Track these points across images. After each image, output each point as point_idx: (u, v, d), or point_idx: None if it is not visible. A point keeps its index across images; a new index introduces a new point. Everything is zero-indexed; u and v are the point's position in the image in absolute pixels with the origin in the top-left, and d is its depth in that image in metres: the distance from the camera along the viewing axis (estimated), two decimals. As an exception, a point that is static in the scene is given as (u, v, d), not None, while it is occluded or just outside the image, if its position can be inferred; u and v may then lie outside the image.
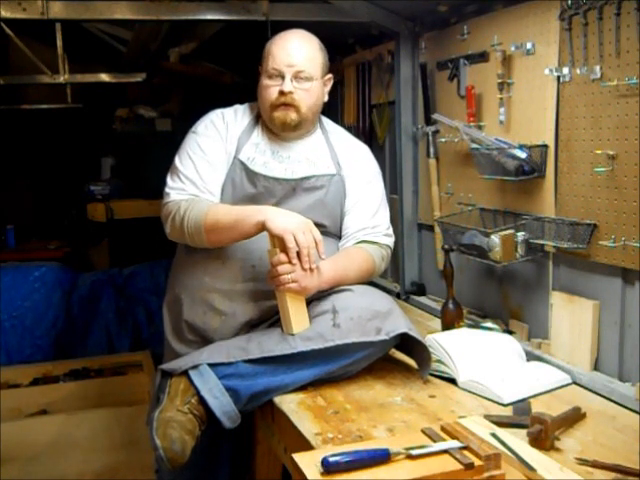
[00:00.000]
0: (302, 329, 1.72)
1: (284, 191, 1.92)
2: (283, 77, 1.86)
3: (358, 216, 1.99)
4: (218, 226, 1.78)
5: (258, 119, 2.00)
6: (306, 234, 1.70)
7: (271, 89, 1.88)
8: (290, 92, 1.86)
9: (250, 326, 1.86)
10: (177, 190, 1.89)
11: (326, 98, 2.00)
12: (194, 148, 1.93)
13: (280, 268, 1.71)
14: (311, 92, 1.90)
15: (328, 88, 2.00)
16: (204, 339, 1.85)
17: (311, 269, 1.74)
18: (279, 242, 1.72)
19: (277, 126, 1.92)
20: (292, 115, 1.89)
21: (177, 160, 1.95)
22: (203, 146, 1.93)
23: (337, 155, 2.02)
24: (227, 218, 1.78)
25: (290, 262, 1.71)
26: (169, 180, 1.93)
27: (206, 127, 1.97)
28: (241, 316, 1.85)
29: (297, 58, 1.86)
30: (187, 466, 1.56)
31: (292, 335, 1.70)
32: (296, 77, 1.87)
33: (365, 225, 1.98)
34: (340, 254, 1.93)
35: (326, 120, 2.10)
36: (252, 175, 1.92)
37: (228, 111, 2.02)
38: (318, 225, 1.89)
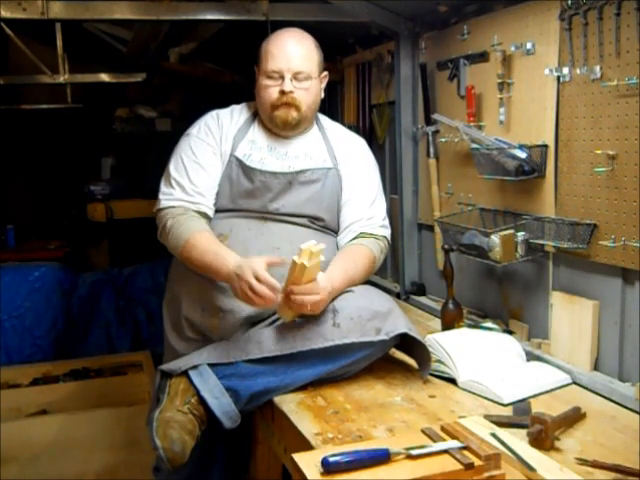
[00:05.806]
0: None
1: (281, 185, 1.94)
2: (283, 77, 1.90)
3: (354, 207, 2.00)
4: (191, 262, 1.82)
5: (254, 117, 2.03)
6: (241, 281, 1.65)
7: (271, 89, 1.92)
8: (291, 92, 1.90)
9: (250, 323, 1.85)
10: (166, 196, 1.93)
11: (322, 95, 2.03)
12: (186, 151, 1.97)
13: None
14: (310, 91, 1.94)
15: (324, 85, 2.04)
16: (204, 337, 1.86)
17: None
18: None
19: (278, 125, 1.95)
20: (293, 114, 1.93)
21: (170, 163, 1.98)
22: (195, 149, 1.96)
23: (333, 149, 2.04)
24: (200, 260, 1.79)
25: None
26: (162, 185, 1.97)
27: (200, 130, 2.00)
28: (239, 313, 1.84)
29: (296, 59, 1.90)
30: (183, 465, 1.56)
31: (289, 321, 1.71)
32: (295, 77, 1.91)
33: (361, 216, 1.99)
34: (346, 259, 1.88)
35: (322, 117, 2.13)
36: (248, 171, 1.94)
37: (224, 112, 2.05)
38: (317, 219, 1.91)
